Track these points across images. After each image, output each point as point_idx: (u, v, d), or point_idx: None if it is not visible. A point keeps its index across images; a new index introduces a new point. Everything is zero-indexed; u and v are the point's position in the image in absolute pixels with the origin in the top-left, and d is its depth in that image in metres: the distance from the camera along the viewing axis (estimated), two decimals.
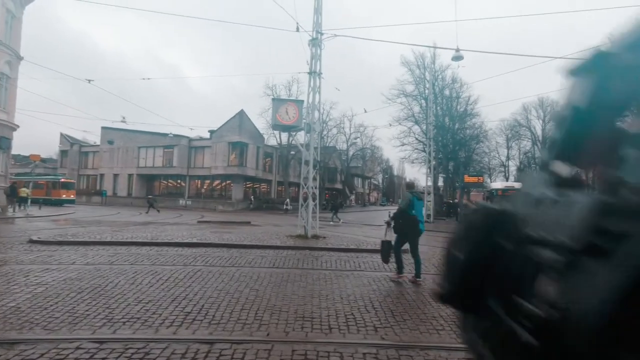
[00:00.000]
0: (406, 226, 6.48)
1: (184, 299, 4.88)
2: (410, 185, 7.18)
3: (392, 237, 6.69)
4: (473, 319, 0.90)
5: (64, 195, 34.48)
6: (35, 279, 5.58)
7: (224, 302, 4.82)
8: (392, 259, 6.63)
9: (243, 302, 4.86)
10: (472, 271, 0.84)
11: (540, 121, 55.69)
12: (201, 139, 40.51)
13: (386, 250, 6.51)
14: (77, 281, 5.56)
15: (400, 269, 6.57)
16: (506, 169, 59.40)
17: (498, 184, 31.31)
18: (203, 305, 4.63)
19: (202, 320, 4.13)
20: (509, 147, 59.04)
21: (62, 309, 4.32)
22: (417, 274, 6.37)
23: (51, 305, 4.41)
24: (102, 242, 9.46)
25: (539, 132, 56.07)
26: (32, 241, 9.48)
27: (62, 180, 35.90)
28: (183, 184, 40.57)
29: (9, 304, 4.40)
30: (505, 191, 26.75)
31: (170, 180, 42.31)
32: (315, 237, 11.95)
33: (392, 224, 6.68)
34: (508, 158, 59.37)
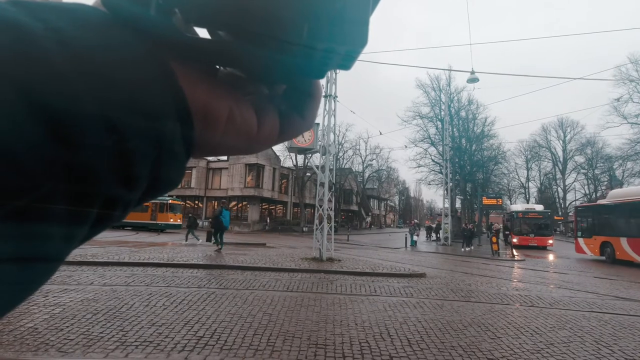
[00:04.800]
0: (217, 225, 13.29)
1: (196, 322, 4.85)
2: (223, 204, 14.08)
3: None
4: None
5: (171, 220, 29.05)
6: (54, 299, 5.67)
7: (236, 326, 4.77)
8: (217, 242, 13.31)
9: (256, 327, 4.80)
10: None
11: (561, 142, 54.65)
12: (219, 160, 41.29)
13: (209, 236, 14.27)
14: (94, 302, 5.61)
15: (217, 244, 13.20)
16: (526, 190, 58.06)
17: (518, 206, 30.38)
18: (215, 330, 4.59)
19: (214, 345, 4.08)
20: (528, 168, 57.95)
21: (77, 330, 4.35)
22: (220, 245, 13.13)
23: (67, 327, 4.45)
24: (120, 263, 9.58)
25: (559, 152, 54.94)
26: None
27: (171, 202, 29.84)
28: (201, 205, 41.13)
29: (26, 325, 4.46)
30: (526, 213, 25.90)
31: (188, 201, 42.97)
32: (330, 260, 11.80)
33: (212, 223, 13.67)
34: (528, 179, 58.19)
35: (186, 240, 17.22)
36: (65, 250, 0.20)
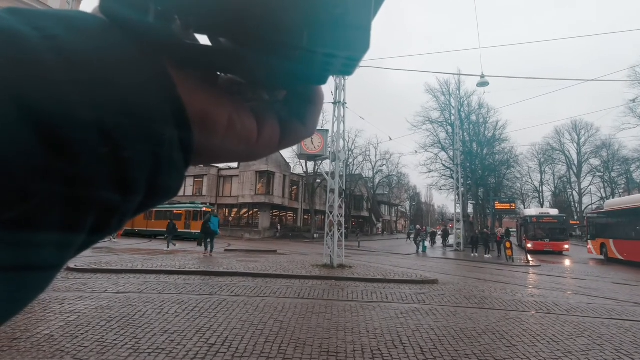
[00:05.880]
0: (206, 231, 14.69)
1: (208, 329, 4.87)
2: (211, 212, 16.86)
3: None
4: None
5: None
6: (69, 307, 5.76)
7: (247, 334, 4.77)
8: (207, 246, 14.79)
9: (267, 334, 4.79)
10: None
11: (575, 144, 53.64)
12: (229, 168, 41.66)
13: (200, 242, 16.03)
14: (108, 310, 5.69)
15: (206, 248, 14.54)
16: (540, 194, 56.97)
17: (532, 210, 29.82)
18: (227, 337, 4.60)
19: (225, 352, 4.09)
20: (542, 172, 56.90)
21: (91, 337, 4.41)
22: (211, 251, 14.36)
23: (82, 334, 4.52)
24: (133, 271, 9.69)
25: (574, 155, 53.90)
26: (69, 269, 9.86)
27: (205, 209, 28.02)
28: None
29: (43, 332, 4.55)
30: (540, 218, 25.39)
31: None
32: (342, 266, 11.74)
33: (201, 229, 15.17)
34: (542, 183, 57.11)
35: (168, 247, 17.15)
36: (62, 259, 0.20)
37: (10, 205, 0.16)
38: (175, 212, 28.22)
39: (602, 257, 20.23)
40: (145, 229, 28.41)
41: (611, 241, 19.07)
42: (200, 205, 29.14)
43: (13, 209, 0.16)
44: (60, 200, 0.18)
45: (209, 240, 14.69)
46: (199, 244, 15.39)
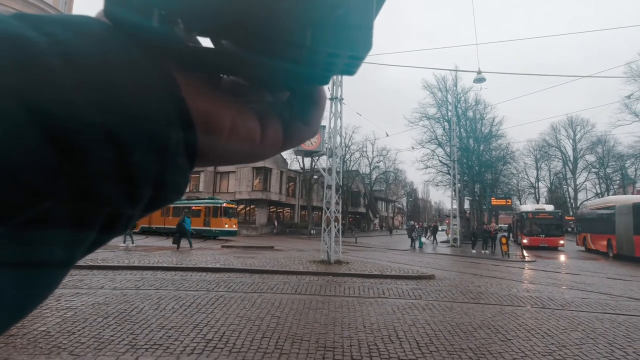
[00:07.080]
0: (181, 230, 16.11)
1: (205, 325, 4.88)
2: (185, 213, 20.58)
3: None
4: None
5: (226, 225, 26.01)
6: (66, 303, 5.75)
7: (245, 329, 4.79)
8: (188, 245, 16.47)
9: (264, 329, 4.81)
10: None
11: (571, 141, 53.88)
12: None
13: (175, 240, 16.14)
14: (104, 306, 5.69)
15: (178, 246, 15.57)
16: (536, 190, 57.28)
17: (528, 206, 29.96)
18: (224, 333, 4.61)
19: (222, 348, 4.10)
20: (538, 168, 57.15)
21: (88, 334, 4.41)
22: (190, 245, 16.25)
23: (78, 330, 4.52)
24: (130, 267, 9.68)
25: (569, 151, 54.15)
26: None
27: (225, 205, 26.76)
28: None
29: (39, 328, 4.54)
30: (536, 214, 25.54)
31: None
32: (338, 262, 11.78)
33: (176, 228, 16.58)
34: (538, 179, 57.37)
35: (124, 242, 16.69)
36: (72, 258, 0.21)
37: (21, 208, 0.16)
38: (194, 208, 27.31)
39: (583, 248, 24.81)
40: (162, 226, 27.21)
41: (589, 235, 23.71)
42: (221, 201, 27.63)
43: (24, 212, 0.16)
44: (69, 203, 0.18)
45: (186, 237, 16.27)
46: (174, 242, 16.14)
